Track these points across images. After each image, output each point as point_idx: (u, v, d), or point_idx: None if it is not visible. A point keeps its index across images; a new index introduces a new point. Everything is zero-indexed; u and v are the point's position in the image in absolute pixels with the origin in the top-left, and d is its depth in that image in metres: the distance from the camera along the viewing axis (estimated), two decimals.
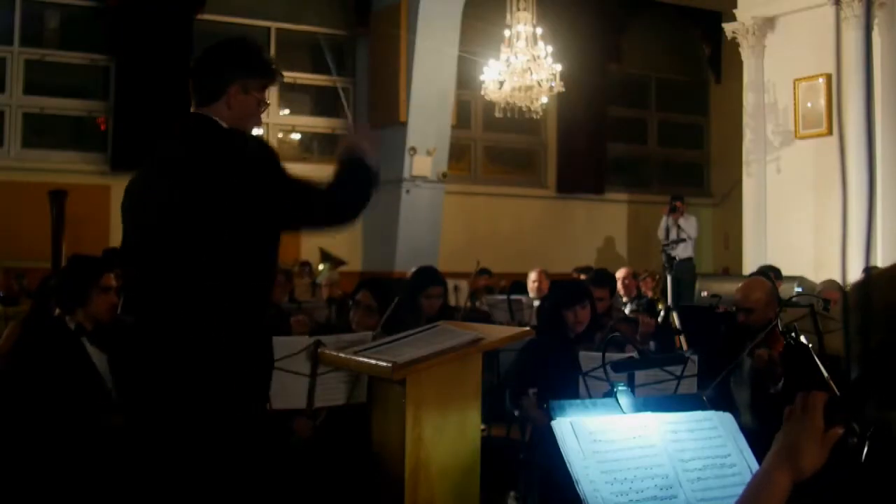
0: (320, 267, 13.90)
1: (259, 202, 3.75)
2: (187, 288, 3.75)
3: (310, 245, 14.99)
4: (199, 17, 15.09)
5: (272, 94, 14.93)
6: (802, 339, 5.07)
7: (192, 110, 4.00)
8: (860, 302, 1.81)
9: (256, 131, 4.44)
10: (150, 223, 3.86)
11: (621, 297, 10.57)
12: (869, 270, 1.85)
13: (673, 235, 15.12)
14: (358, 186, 4.02)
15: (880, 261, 12.07)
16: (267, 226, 3.84)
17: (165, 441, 3.78)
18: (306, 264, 14.04)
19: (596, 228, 18.30)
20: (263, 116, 4.30)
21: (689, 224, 15.96)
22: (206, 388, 3.73)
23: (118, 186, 4.32)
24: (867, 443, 2.00)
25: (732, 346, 6.20)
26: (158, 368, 3.76)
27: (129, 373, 3.91)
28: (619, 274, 10.62)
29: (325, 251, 14.03)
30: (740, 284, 6.64)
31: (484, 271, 14.41)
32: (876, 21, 13.17)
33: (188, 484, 3.77)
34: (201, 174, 3.78)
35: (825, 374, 4.80)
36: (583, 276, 11.54)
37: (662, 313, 9.35)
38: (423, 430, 4.39)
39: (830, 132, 13.55)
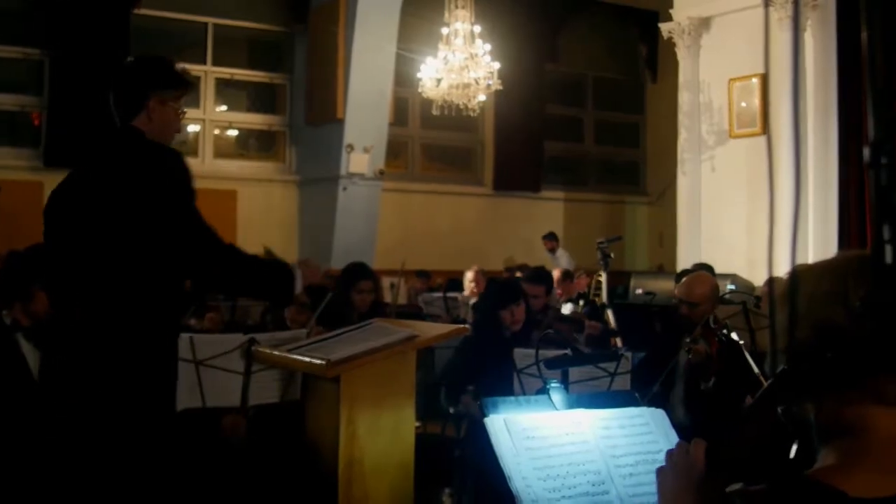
0: None
1: (164, 225, 3.94)
2: (90, 294, 3.95)
3: (248, 243, 14.90)
4: (136, 11, 14.92)
5: (209, 89, 14.73)
6: (734, 335, 5.12)
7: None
8: (787, 296, 1.83)
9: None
10: (64, 231, 4.08)
11: (559, 299, 10.61)
12: (794, 269, 1.87)
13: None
14: (255, 280, 4.33)
15: (812, 260, 12.21)
16: (166, 247, 3.99)
17: (69, 443, 3.97)
18: None
19: (533, 226, 18.34)
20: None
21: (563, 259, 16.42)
22: (103, 386, 3.88)
23: (51, 182, 4.42)
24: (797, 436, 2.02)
25: (668, 343, 6.25)
26: (64, 367, 3.98)
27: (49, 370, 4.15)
28: (553, 276, 10.67)
29: (269, 250, 13.93)
30: (684, 279, 6.71)
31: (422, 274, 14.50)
32: (809, 22, 13.34)
33: (85, 471, 3.92)
34: (115, 188, 3.97)
35: (755, 370, 4.84)
36: (518, 274, 11.58)
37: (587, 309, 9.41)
38: (358, 427, 4.38)
39: (764, 132, 13.71)
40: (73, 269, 3.97)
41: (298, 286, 4.36)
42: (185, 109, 4.39)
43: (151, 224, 3.89)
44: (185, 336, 4.74)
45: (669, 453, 2.02)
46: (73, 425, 3.92)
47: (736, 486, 1.88)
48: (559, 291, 10.47)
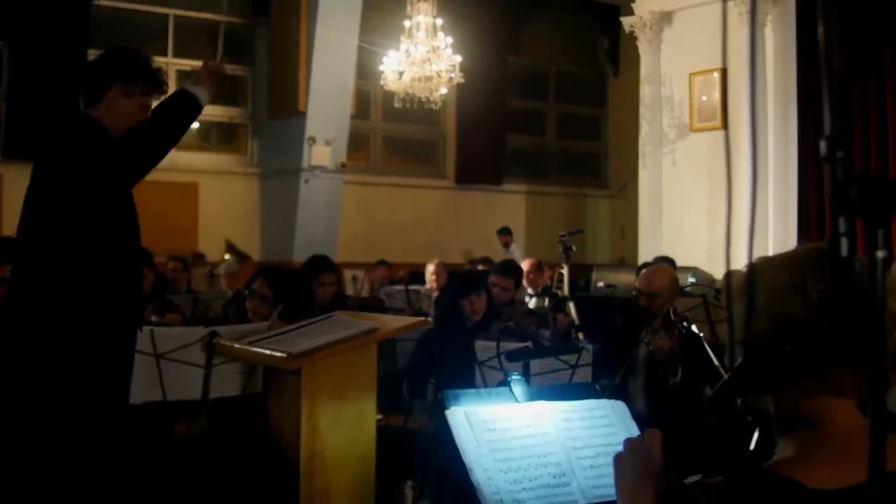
0: (226, 257, 13.77)
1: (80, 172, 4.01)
2: (35, 276, 4.05)
3: (209, 236, 14.87)
4: (97, 2, 14.81)
5: (170, 82, 14.69)
6: (693, 328, 5.15)
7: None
8: (745, 289, 1.84)
9: None
10: (21, 225, 4.18)
11: (526, 290, 10.60)
12: (753, 262, 1.88)
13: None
14: (155, 140, 4.32)
15: (772, 252, 12.32)
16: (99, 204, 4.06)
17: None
18: (200, 256, 13.89)
19: (494, 219, 18.36)
20: None
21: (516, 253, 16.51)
22: (57, 375, 3.96)
23: (11, 174, 4.47)
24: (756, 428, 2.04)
25: (628, 336, 6.28)
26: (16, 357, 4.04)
27: None
28: (523, 266, 10.67)
29: (230, 243, 13.90)
30: (643, 271, 6.73)
31: (382, 263, 14.47)
32: (770, 18, 13.44)
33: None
34: (47, 167, 4.08)
35: (716, 362, 4.88)
36: (480, 267, 11.58)
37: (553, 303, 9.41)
38: (319, 419, 4.38)
39: (724, 126, 13.80)
40: (31, 260, 3.97)
41: (203, 94, 4.46)
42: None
43: (52, 193, 3.93)
44: (145, 329, 4.72)
45: (627, 441, 2.02)
46: (24, 414, 3.92)
47: (695, 478, 1.89)
48: (528, 280, 10.46)
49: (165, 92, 4.50)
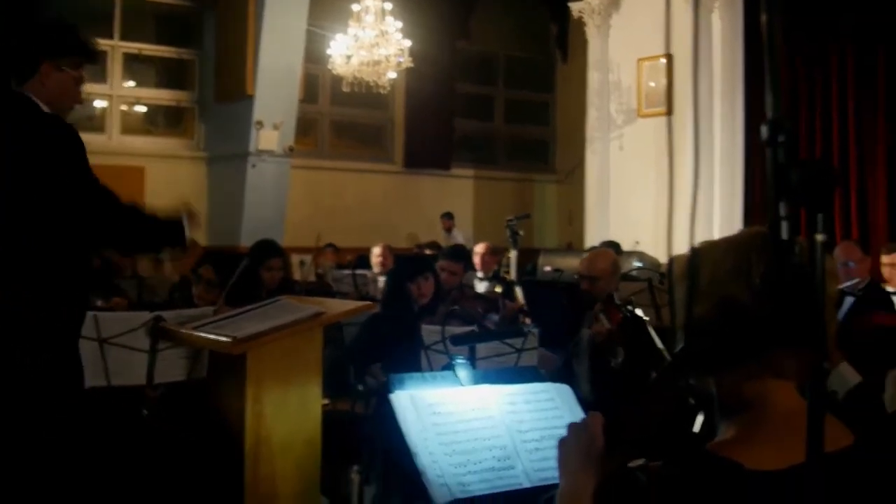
0: None
1: (59, 191, 3.88)
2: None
3: None
4: None
5: (116, 65, 14.42)
6: (638, 311, 5.17)
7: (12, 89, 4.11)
8: (687, 273, 1.85)
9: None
10: None
11: (476, 273, 10.61)
12: (695, 246, 1.89)
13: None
14: (154, 238, 4.35)
15: (717, 236, 12.41)
16: (65, 215, 3.93)
17: None
18: None
19: (442, 204, 18.37)
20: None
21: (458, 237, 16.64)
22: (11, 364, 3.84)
23: None
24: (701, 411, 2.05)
25: (573, 319, 6.31)
26: None
27: None
28: (479, 249, 10.69)
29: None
30: (585, 255, 6.78)
31: (330, 246, 14.43)
32: (717, 4, 13.51)
33: None
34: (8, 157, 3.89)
35: (660, 345, 4.90)
36: (428, 252, 11.56)
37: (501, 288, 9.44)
38: (264, 405, 4.37)
39: (670, 111, 13.88)
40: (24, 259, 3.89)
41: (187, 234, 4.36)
42: (92, 84, 4.30)
43: (45, 194, 3.83)
44: (89, 314, 4.68)
45: (571, 425, 2.03)
46: None
47: (638, 462, 1.90)
48: (482, 262, 10.49)
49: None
